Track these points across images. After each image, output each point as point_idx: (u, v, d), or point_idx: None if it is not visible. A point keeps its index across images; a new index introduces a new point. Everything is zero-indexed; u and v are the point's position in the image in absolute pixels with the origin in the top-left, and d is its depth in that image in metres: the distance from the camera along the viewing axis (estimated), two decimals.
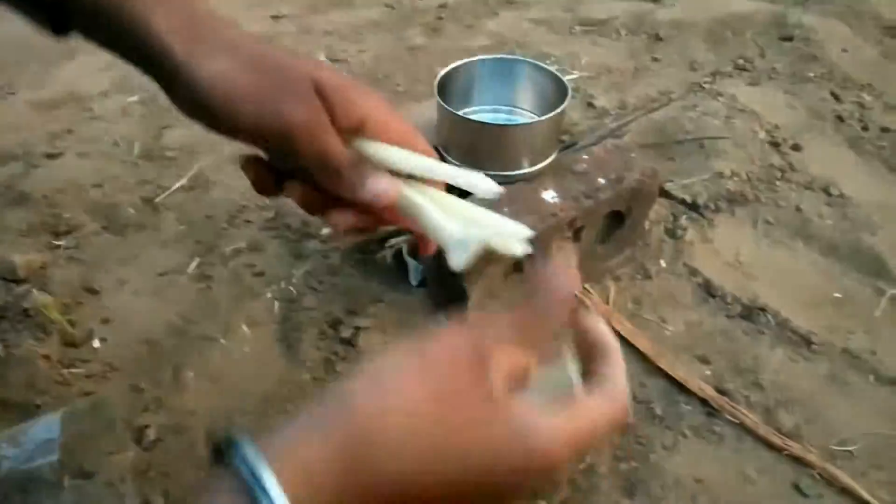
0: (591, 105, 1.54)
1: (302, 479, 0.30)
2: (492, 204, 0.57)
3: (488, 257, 0.45)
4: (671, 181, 1.31)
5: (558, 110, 1.01)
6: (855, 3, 2.01)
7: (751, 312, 1.10)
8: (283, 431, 0.32)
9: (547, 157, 1.06)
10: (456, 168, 0.50)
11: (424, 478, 0.32)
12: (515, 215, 0.99)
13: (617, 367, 0.40)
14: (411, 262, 1.11)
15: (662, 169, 1.35)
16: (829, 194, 1.35)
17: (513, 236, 0.47)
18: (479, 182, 0.50)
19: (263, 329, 1.04)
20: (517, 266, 1.03)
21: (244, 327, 1.04)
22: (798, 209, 1.31)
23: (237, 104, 0.43)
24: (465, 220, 0.48)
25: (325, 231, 1.18)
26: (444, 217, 0.47)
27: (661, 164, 1.36)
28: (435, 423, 0.32)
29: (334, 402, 0.33)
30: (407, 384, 0.33)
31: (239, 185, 1.31)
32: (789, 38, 1.82)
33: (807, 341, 1.07)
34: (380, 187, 0.47)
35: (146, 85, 1.71)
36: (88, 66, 1.73)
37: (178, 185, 1.32)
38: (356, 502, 0.31)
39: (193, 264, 1.14)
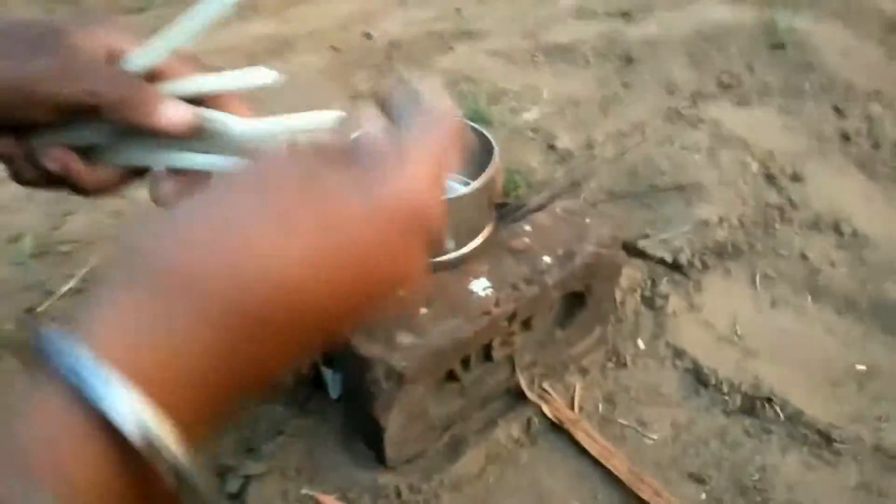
0: (552, 147, 1.33)
1: (124, 343, 0.25)
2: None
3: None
4: (646, 236, 1.09)
5: (482, 179, 0.80)
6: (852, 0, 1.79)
7: (754, 405, 0.88)
8: (83, 315, 0.27)
9: (476, 235, 0.85)
10: (232, 72, 0.49)
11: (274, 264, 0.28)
12: (436, 317, 0.78)
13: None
14: (328, 373, 0.91)
15: (636, 221, 1.14)
16: (840, 233, 1.13)
17: (323, 117, 0.47)
18: (259, 74, 0.49)
19: None
20: (449, 375, 0.82)
21: None
22: (804, 256, 1.08)
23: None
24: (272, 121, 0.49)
25: None
26: (249, 122, 0.48)
27: (633, 215, 1.15)
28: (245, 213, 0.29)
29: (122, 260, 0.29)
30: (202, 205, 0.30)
31: None
32: (781, 46, 1.60)
33: (827, 438, 0.84)
34: (177, 110, 0.45)
35: None
36: None
37: (64, 288, 1.13)
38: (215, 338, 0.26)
39: None
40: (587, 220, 0.90)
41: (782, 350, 0.96)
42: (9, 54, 0.40)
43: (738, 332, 0.98)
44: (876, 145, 1.29)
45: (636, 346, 0.96)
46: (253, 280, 0.27)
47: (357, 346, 0.75)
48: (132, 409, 0.23)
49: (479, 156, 0.89)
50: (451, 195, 0.79)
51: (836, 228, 1.13)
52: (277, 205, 0.29)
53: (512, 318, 0.81)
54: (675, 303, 1.01)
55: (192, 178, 0.48)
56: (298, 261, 0.29)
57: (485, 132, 0.86)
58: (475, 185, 0.80)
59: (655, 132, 1.34)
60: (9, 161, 0.46)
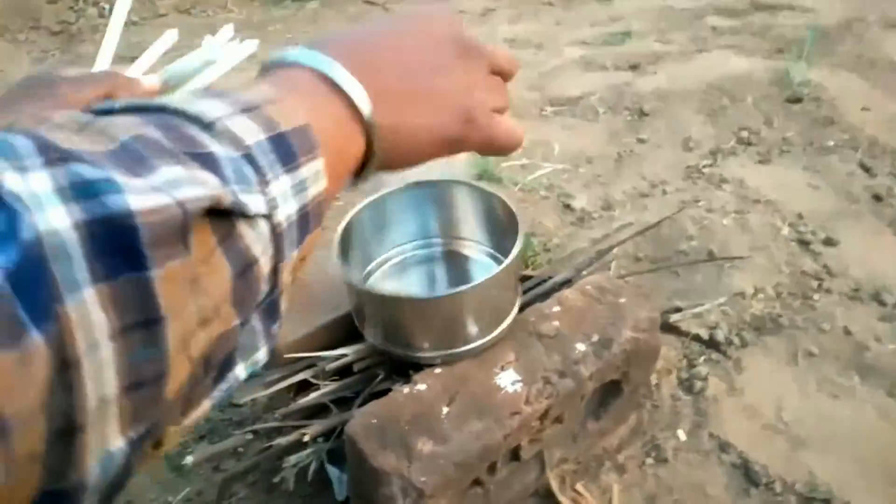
0: (568, 207, 1.26)
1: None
2: None
3: None
4: (679, 309, 1.01)
5: (511, 257, 0.71)
6: (866, 50, 1.75)
7: None
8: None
9: (503, 320, 0.76)
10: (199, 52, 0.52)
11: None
12: (459, 418, 0.69)
13: None
14: (334, 472, 0.81)
15: (665, 291, 1.05)
16: (883, 303, 1.05)
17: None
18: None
19: None
20: (473, 482, 0.72)
21: None
22: (847, 331, 1.00)
23: None
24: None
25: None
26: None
27: (662, 284, 1.06)
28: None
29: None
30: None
31: None
32: (798, 100, 1.55)
33: None
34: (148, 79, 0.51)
35: None
36: None
37: None
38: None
39: None
40: (621, 300, 0.81)
41: (834, 439, 0.87)
42: (7, 102, 0.45)
43: (785, 419, 0.89)
44: None
45: (677, 437, 0.87)
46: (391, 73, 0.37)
47: (369, 455, 0.66)
48: (357, 89, 0.34)
49: (498, 224, 0.81)
50: (476, 281, 0.70)
51: (878, 298, 1.05)
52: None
53: (544, 415, 0.72)
54: (714, 385, 0.92)
55: None
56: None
57: (507, 202, 0.77)
58: (503, 264, 0.71)
59: (677, 192, 1.27)
60: None
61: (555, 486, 0.79)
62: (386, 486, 0.64)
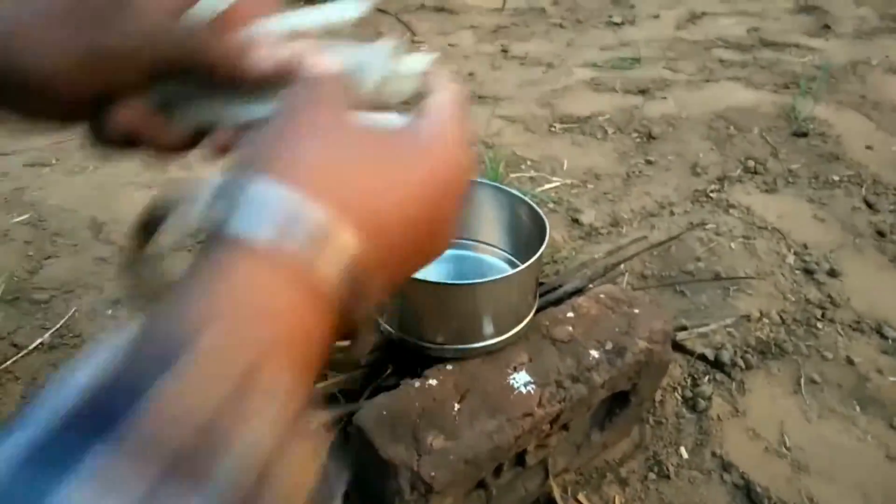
0: (576, 221, 1.26)
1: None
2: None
3: None
4: (684, 328, 1.00)
5: (534, 258, 0.71)
6: (869, 91, 1.78)
7: None
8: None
9: (519, 322, 0.75)
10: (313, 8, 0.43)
11: None
12: (471, 415, 0.68)
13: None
14: (332, 468, 0.79)
15: (672, 309, 1.05)
16: (884, 336, 1.05)
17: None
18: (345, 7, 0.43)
19: None
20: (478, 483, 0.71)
21: None
22: (850, 361, 1.00)
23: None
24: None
25: None
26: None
27: (668, 302, 1.06)
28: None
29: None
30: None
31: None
32: (803, 134, 1.57)
33: None
34: (261, 56, 0.39)
35: (42, 199, 1.44)
36: None
37: (36, 342, 1.00)
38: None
39: None
40: (636, 311, 0.81)
41: (835, 467, 0.86)
42: (84, 25, 0.38)
43: (787, 444, 0.89)
44: None
45: (679, 454, 0.86)
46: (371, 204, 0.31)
47: (378, 446, 0.64)
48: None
49: (521, 228, 0.81)
50: (500, 275, 0.70)
51: (880, 332, 1.06)
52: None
53: (554, 420, 0.71)
54: (718, 405, 0.92)
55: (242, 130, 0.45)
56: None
57: (535, 206, 0.77)
58: (527, 263, 0.71)
59: (685, 213, 1.27)
60: (87, 126, 0.43)
61: (557, 494, 0.78)
62: (394, 478, 0.63)
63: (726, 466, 0.85)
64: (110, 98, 0.42)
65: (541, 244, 0.74)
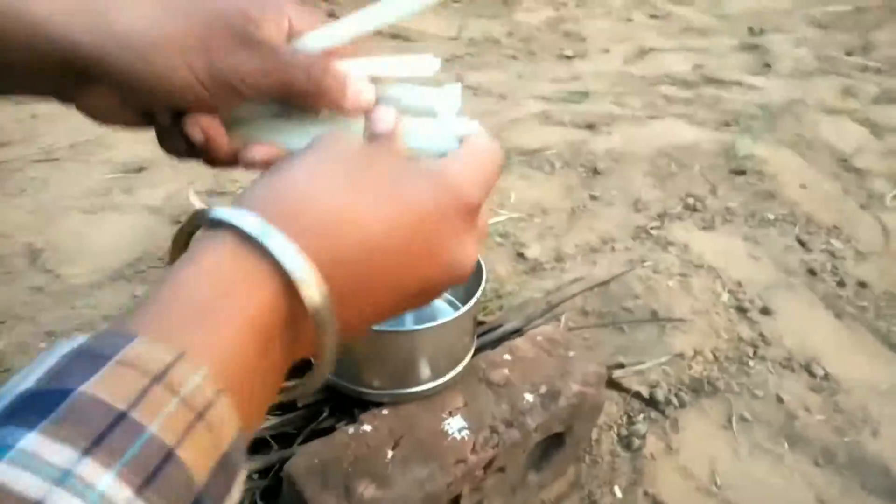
0: (521, 256, 1.28)
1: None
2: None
3: None
4: (621, 365, 1.03)
5: (471, 303, 0.72)
6: (804, 132, 1.86)
7: None
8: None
9: (456, 365, 0.76)
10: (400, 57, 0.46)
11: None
12: (404, 462, 0.68)
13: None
14: None
15: (608, 345, 1.07)
16: (813, 375, 1.09)
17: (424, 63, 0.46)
18: (425, 62, 0.46)
19: None
20: None
21: None
22: (779, 399, 1.04)
23: (171, 52, 0.40)
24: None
25: None
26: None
27: (606, 339, 1.08)
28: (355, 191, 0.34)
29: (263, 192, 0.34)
30: (319, 173, 0.35)
31: None
32: (741, 172, 1.63)
33: None
34: (362, 91, 0.44)
35: None
36: None
37: None
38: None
39: None
40: (570, 353, 0.82)
41: None
42: (210, 45, 0.42)
43: (718, 482, 0.91)
44: (841, 283, 1.29)
45: (613, 493, 0.88)
46: (364, 249, 0.33)
47: (309, 496, 0.64)
48: (296, 261, 0.29)
49: None
50: (438, 321, 0.71)
51: (809, 369, 1.10)
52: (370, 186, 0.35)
53: (488, 465, 0.72)
54: (652, 444, 0.94)
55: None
56: (384, 231, 0.34)
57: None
58: (464, 308, 0.72)
59: (626, 250, 1.31)
60: (160, 130, 0.46)
61: None
62: None
63: None
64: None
65: (479, 286, 0.75)
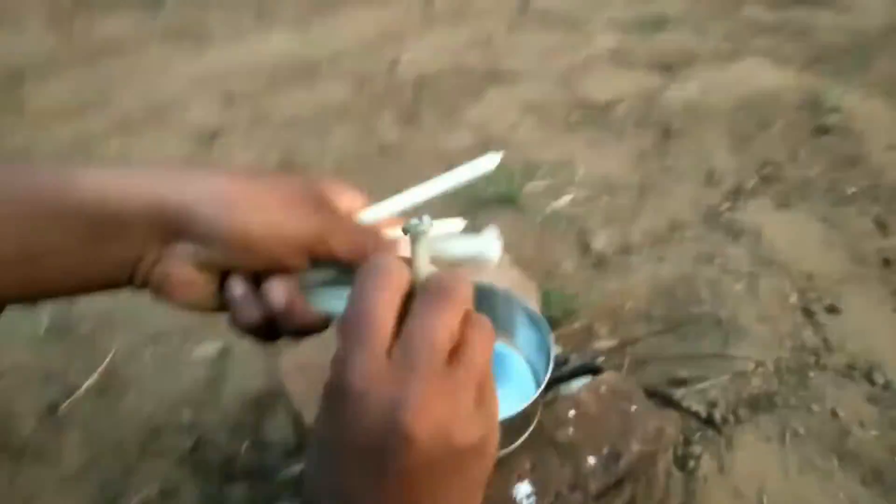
0: (587, 247, 1.30)
1: None
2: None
3: None
4: (683, 382, 1.08)
5: (543, 384, 0.77)
6: None
7: None
8: None
9: (524, 431, 0.83)
10: (452, 239, 0.50)
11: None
12: None
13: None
14: None
15: (670, 353, 1.12)
16: (873, 383, 1.12)
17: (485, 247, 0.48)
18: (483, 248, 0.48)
19: None
20: None
21: None
22: (834, 414, 1.08)
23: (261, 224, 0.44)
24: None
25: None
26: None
27: (668, 347, 1.12)
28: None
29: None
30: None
31: (157, 385, 1.09)
32: (825, 131, 1.55)
33: None
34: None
35: None
36: None
37: (87, 384, 1.10)
38: None
39: None
40: (633, 408, 0.87)
41: None
42: (292, 204, 0.45)
43: (764, 502, 0.98)
44: None
45: None
46: None
47: None
48: None
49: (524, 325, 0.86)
50: (515, 411, 0.76)
51: (869, 377, 1.12)
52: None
53: None
54: (706, 464, 1.01)
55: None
56: None
57: (543, 325, 0.81)
58: (537, 393, 0.77)
59: (696, 240, 1.31)
60: (234, 304, 0.48)
61: None
62: None
63: None
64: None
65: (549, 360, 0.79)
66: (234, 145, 1.55)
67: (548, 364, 0.79)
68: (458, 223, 0.50)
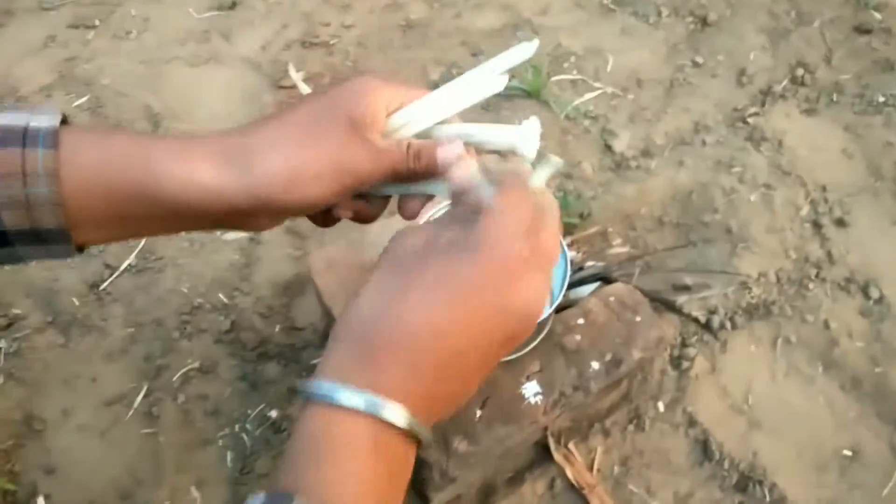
0: (608, 148, 1.31)
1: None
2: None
3: None
4: (687, 288, 1.14)
5: (549, 311, 0.83)
6: None
7: (746, 484, 1.01)
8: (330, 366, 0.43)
9: (540, 333, 0.90)
10: (487, 129, 0.55)
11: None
12: (489, 422, 0.86)
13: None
14: None
15: (679, 260, 1.17)
16: (868, 297, 1.18)
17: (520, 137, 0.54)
18: (518, 139, 0.54)
19: (213, 490, 0.97)
20: None
21: (193, 490, 0.97)
22: (826, 325, 1.15)
23: (305, 172, 0.50)
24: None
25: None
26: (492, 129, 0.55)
27: (677, 254, 1.17)
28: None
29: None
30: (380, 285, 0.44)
31: (191, 266, 1.16)
32: (867, 31, 1.49)
33: None
34: (451, 153, 0.52)
35: (96, 76, 1.48)
36: (16, 46, 1.47)
37: (125, 264, 1.17)
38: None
39: (140, 396, 1.04)
40: (637, 318, 0.94)
41: (783, 424, 1.06)
42: (324, 138, 0.50)
43: (749, 402, 1.08)
44: None
45: (657, 407, 1.06)
46: (433, 345, 0.42)
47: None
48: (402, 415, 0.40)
49: None
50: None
51: (865, 291, 1.18)
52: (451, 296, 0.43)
53: (556, 433, 0.90)
54: (699, 364, 1.09)
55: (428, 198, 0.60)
56: (462, 329, 0.42)
57: (563, 246, 0.85)
58: (552, 308, 0.83)
59: (717, 145, 1.31)
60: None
61: (552, 445, 1.00)
62: (427, 471, 0.84)
63: (692, 422, 1.05)
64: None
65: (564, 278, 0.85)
66: (253, 18, 1.51)
67: (563, 283, 0.85)
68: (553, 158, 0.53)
